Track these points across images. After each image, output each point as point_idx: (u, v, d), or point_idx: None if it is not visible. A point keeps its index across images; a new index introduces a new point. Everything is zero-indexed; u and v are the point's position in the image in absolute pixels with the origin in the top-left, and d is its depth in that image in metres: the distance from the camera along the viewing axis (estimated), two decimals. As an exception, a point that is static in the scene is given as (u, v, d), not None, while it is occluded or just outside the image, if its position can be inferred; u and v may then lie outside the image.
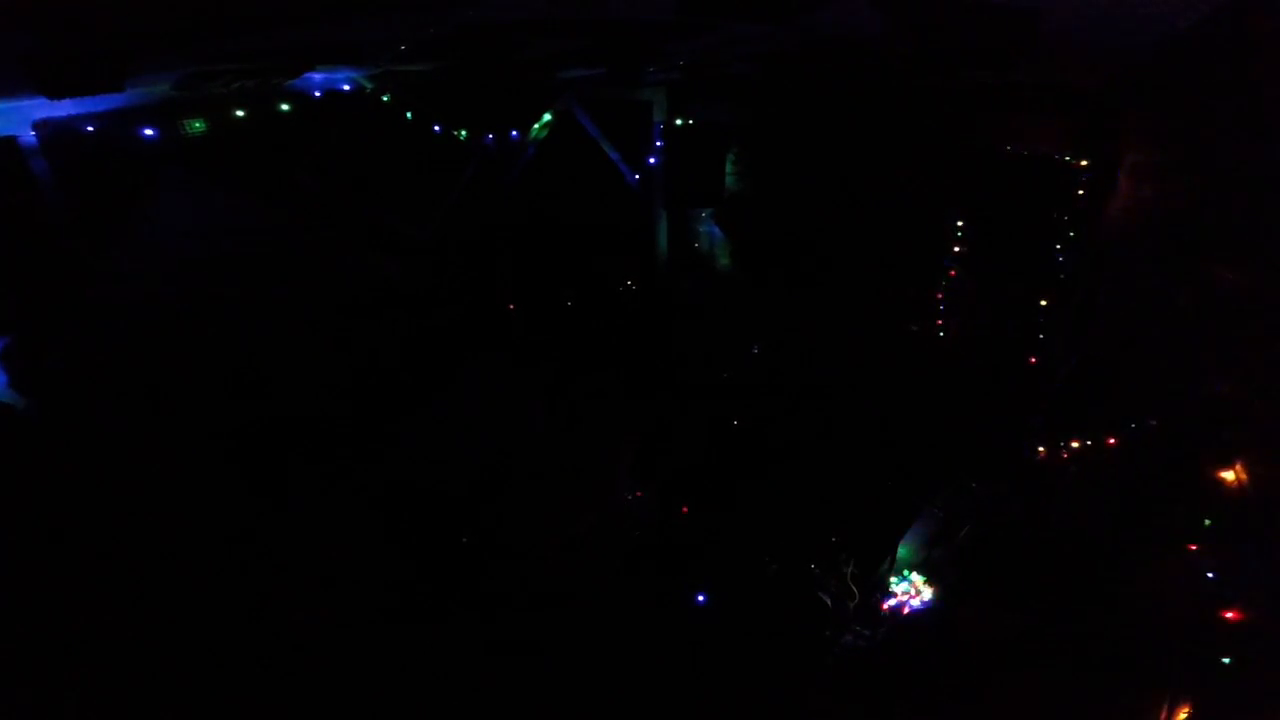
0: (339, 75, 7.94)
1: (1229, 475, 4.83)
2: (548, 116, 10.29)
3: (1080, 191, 8.13)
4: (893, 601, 7.86)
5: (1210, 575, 4.46)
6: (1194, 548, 4.77)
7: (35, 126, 6.19)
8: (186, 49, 4.89)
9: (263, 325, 7.98)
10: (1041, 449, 8.16)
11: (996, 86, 7.66)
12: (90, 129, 6.47)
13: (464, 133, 9.59)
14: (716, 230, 12.01)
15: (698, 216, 12.09)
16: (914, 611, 7.69)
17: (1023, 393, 8.92)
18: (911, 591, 7.87)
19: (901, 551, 8.27)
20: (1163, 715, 4.14)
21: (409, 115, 8.99)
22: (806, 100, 10.14)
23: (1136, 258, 7.13)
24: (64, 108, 6.12)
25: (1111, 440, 7.20)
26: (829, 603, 7.79)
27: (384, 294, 9.13)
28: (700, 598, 7.88)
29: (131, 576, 6.21)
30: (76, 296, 6.89)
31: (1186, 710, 4.03)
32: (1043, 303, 8.90)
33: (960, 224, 9.52)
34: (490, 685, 6.60)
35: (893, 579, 8.05)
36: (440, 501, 8.17)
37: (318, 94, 8.00)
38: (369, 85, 8.40)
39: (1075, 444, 7.65)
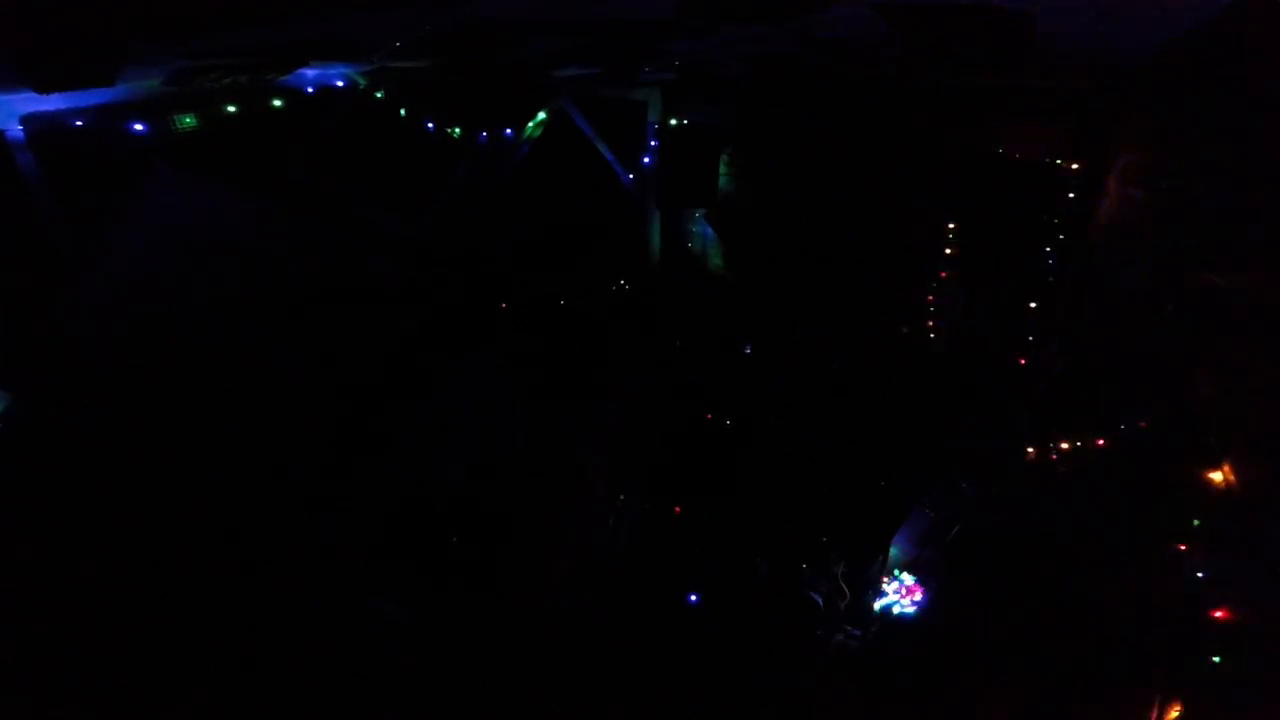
0: (332, 71, 7.89)
1: (1216, 476, 4.89)
2: (542, 115, 10.27)
3: (1071, 195, 8.21)
4: (884, 601, 7.92)
5: (1199, 575, 4.51)
6: (1183, 548, 4.83)
7: (23, 121, 6.10)
8: (179, 43, 4.84)
9: (250, 320, 7.91)
10: (1031, 450, 8.23)
11: (989, 90, 7.73)
12: (79, 123, 6.38)
13: (457, 130, 9.54)
14: (709, 231, 12.04)
15: (691, 217, 12.12)
16: (905, 611, 7.74)
17: (1012, 394, 9.00)
18: (902, 591, 7.93)
19: (892, 551, 8.32)
20: (1153, 715, 4.18)
21: (402, 112, 8.94)
22: (800, 102, 10.19)
23: (1126, 261, 7.21)
24: (53, 102, 6.04)
25: (1100, 442, 7.27)
26: (820, 602, 7.82)
27: (374, 291, 9.07)
28: (692, 597, 7.89)
29: (124, 576, 6.15)
30: (64, 292, 6.80)
31: (1177, 709, 4.07)
32: (1033, 305, 8.98)
33: (952, 226, 9.59)
34: (481, 685, 6.59)
35: (884, 579, 8.10)
36: (429, 501, 8.14)
37: (310, 90, 7.93)
38: (363, 82, 8.35)
39: (1064, 445, 7.73)
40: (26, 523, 6.02)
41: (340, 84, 8.19)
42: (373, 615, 6.84)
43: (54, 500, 6.21)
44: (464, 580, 7.57)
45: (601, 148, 11.07)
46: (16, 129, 6.09)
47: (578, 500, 8.55)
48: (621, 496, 8.93)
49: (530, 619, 7.25)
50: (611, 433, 9.47)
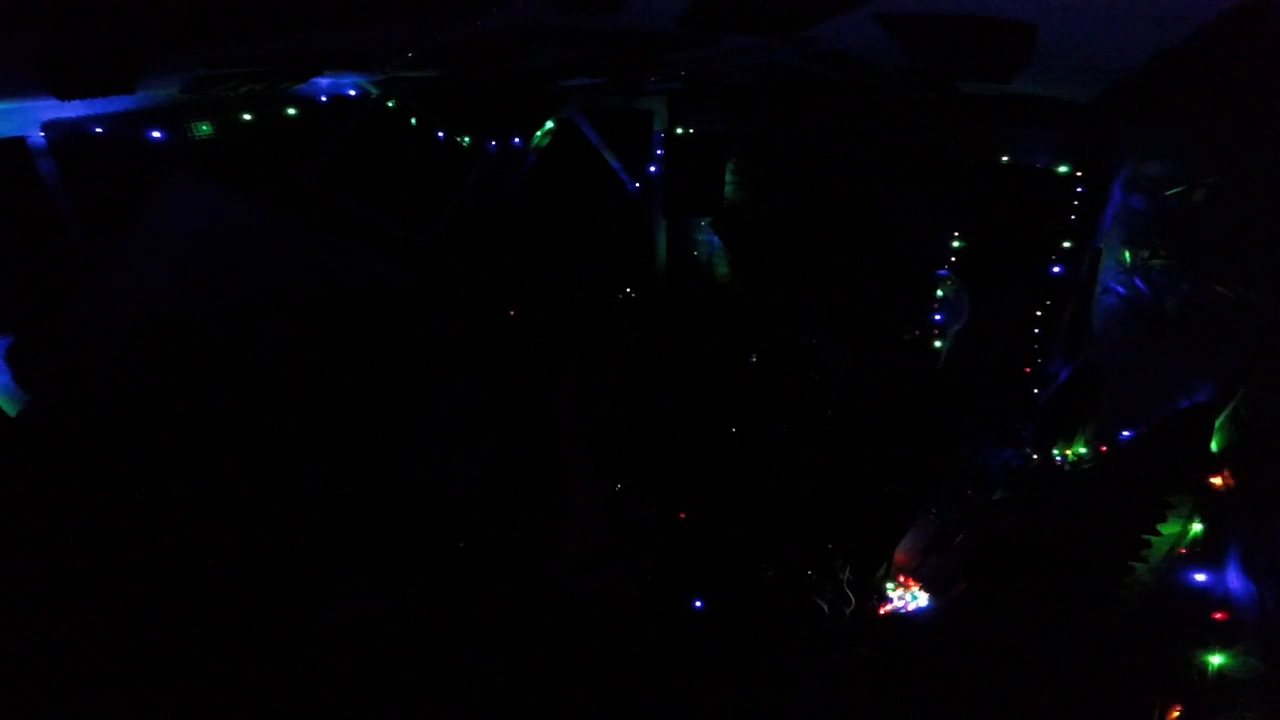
0: (345, 81, 8.03)
1: (1218, 481, 4.91)
2: (550, 124, 10.40)
3: (1075, 203, 8.24)
4: (889, 607, 7.92)
5: (1202, 578, 4.53)
6: (1184, 551, 4.85)
7: (44, 127, 6.25)
8: (197, 52, 4.96)
9: (263, 327, 8.03)
10: (1035, 456, 8.23)
11: (993, 99, 7.78)
12: (99, 130, 6.53)
13: (467, 139, 9.67)
14: (715, 239, 12.11)
15: (696, 225, 12.20)
16: (910, 618, 7.73)
17: (1016, 401, 9.00)
18: (907, 598, 7.93)
19: (897, 558, 8.32)
20: (1154, 716, 4.20)
21: (413, 121, 9.07)
22: (805, 111, 10.27)
23: (1128, 268, 7.23)
24: (73, 109, 6.19)
25: (1104, 448, 7.27)
26: (825, 609, 7.83)
27: (385, 298, 9.18)
28: (697, 603, 7.91)
29: (129, 576, 6.22)
30: (81, 295, 6.93)
31: (1178, 710, 4.09)
32: (1037, 313, 9.00)
33: (956, 234, 9.63)
34: (484, 686, 6.62)
35: (889, 585, 8.10)
36: (437, 506, 8.20)
37: (324, 99, 8.08)
38: (375, 91, 8.50)
39: (1069, 451, 7.73)
40: (39, 518, 6.10)
41: (353, 93, 8.35)
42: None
43: (67, 497, 6.29)
44: (471, 576, 7.62)
45: (608, 156, 11.18)
46: (38, 135, 6.25)
47: (567, 493, 8.61)
48: (618, 487, 8.97)
49: (533, 618, 7.28)
50: (586, 424, 9.51)
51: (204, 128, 7.27)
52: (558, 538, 8.28)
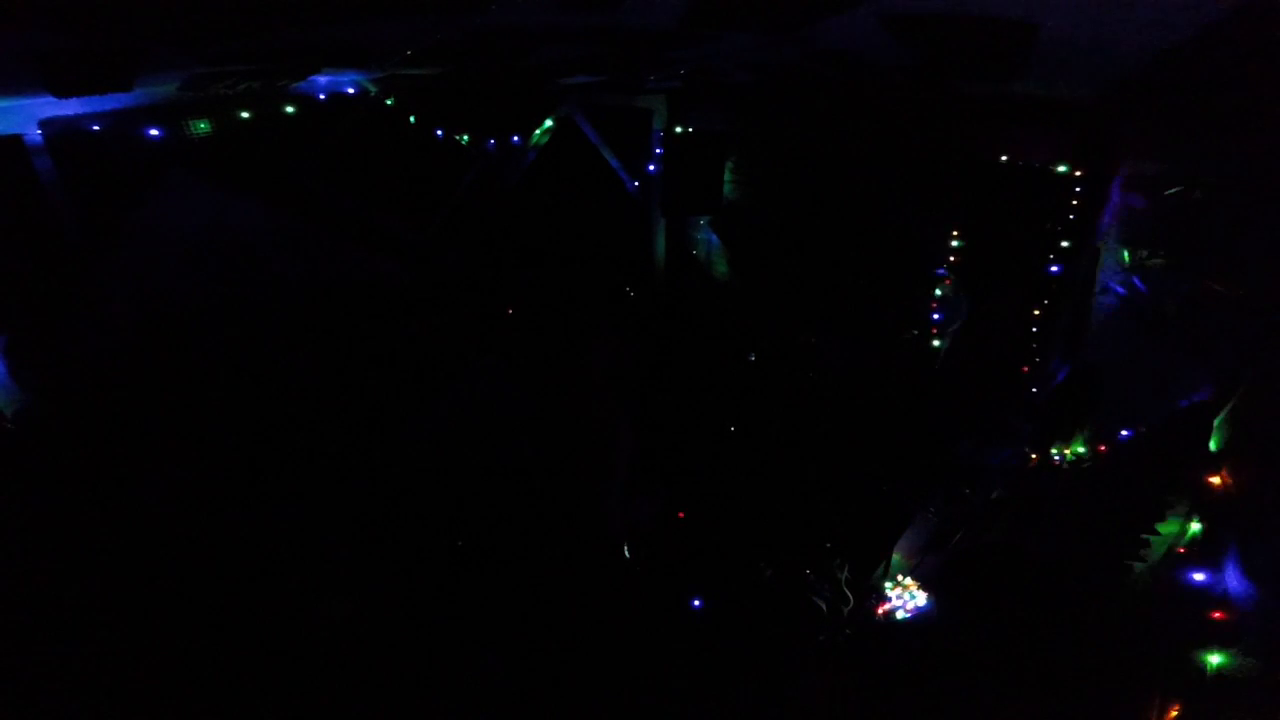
0: (344, 78, 8.01)
1: (1217, 480, 4.92)
2: (549, 122, 10.38)
3: (1074, 202, 8.24)
4: (887, 607, 7.92)
5: (1200, 577, 4.54)
6: (1183, 551, 4.86)
7: (41, 125, 6.23)
8: (195, 49, 4.94)
9: (262, 325, 8.01)
10: (1034, 456, 8.24)
11: (992, 98, 7.78)
12: (96, 128, 6.51)
13: (466, 137, 9.66)
14: (714, 238, 12.11)
15: (696, 224, 12.19)
16: (908, 617, 7.74)
17: (1015, 401, 9.01)
18: (905, 597, 7.93)
19: (895, 557, 8.33)
20: (1153, 716, 4.21)
21: (412, 119, 9.06)
22: (805, 110, 10.27)
23: (1127, 268, 7.25)
24: (70, 106, 6.17)
25: (1102, 448, 7.29)
26: (823, 607, 7.84)
27: (383, 296, 9.17)
28: (696, 601, 7.92)
29: (125, 573, 6.21)
30: (78, 294, 6.91)
31: (1176, 710, 4.10)
32: (1035, 313, 9.01)
33: (955, 233, 9.64)
34: (483, 686, 6.62)
35: (887, 584, 8.11)
36: (436, 504, 8.19)
37: (322, 97, 8.05)
38: (373, 89, 8.47)
39: (1067, 451, 7.74)
40: (35, 515, 6.09)
41: (351, 91, 8.32)
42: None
43: (65, 497, 6.28)
44: (466, 581, 7.61)
45: (607, 155, 11.18)
46: (35, 133, 6.23)
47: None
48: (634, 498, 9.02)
49: (529, 619, 7.27)
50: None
51: (202, 125, 7.25)
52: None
